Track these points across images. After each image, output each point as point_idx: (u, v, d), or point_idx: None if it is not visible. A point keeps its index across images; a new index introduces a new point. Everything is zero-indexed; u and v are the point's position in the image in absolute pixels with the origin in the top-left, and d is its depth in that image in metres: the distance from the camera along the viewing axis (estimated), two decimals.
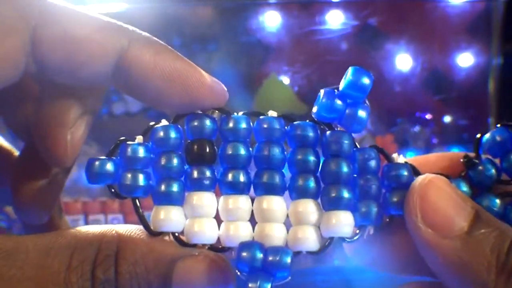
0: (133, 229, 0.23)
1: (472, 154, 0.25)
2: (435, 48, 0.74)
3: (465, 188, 0.24)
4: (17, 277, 0.21)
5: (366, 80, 0.23)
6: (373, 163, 0.24)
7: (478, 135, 0.25)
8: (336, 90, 0.24)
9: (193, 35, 0.69)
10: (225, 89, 0.25)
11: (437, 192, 0.22)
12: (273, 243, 0.23)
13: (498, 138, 0.24)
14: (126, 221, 0.68)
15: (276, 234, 0.24)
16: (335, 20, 0.70)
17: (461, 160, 0.25)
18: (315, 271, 0.64)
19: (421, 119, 0.75)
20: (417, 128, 0.75)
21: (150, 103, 0.25)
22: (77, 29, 0.23)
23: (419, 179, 0.23)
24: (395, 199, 0.24)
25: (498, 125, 0.24)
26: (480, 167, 0.24)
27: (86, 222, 0.68)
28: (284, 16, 0.70)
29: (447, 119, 0.76)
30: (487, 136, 0.25)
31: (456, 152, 0.26)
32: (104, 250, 0.22)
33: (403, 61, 0.73)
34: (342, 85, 0.24)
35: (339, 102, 0.24)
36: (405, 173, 0.24)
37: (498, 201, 0.24)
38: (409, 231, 0.22)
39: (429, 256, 0.22)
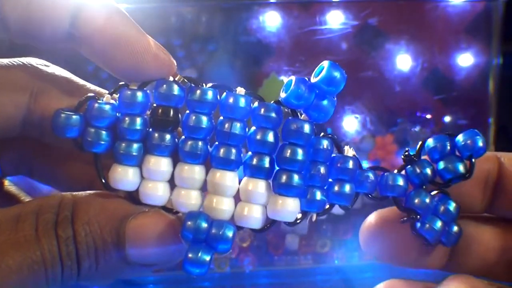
0: (89, 192, 0.25)
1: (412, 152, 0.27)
2: (435, 48, 0.74)
3: (401, 182, 0.26)
4: None
5: (341, 77, 0.24)
6: (323, 152, 0.25)
7: (422, 140, 0.27)
8: (307, 79, 0.24)
9: (193, 35, 0.69)
10: (173, 60, 0.25)
11: None
12: (219, 216, 0.24)
13: (437, 144, 0.27)
14: None
15: (223, 208, 0.25)
16: (335, 20, 0.70)
17: (402, 156, 0.27)
18: (315, 271, 0.65)
19: (421, 119, 0.75)
20: (417, 128, 0.75)
21: (101, 66, 0.25)
22: None
23: None
24: (336, 189, 0.25)
25: (441, 134, 0.27)
26: (417, 166, 0.26)
27: None
28: (284, 16, 0.70)
29: (447, 119, 0.76)
30: (429, 141, 0.27)
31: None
32: (62, 211, 0.24)
33: (403, 61, 0.73)
34: (316, 77, 0.24)
35: (308, 91, 0.24)
36: (350, 165, 0.25)
37: (428, 197, 0.26)
38: None
39: None
